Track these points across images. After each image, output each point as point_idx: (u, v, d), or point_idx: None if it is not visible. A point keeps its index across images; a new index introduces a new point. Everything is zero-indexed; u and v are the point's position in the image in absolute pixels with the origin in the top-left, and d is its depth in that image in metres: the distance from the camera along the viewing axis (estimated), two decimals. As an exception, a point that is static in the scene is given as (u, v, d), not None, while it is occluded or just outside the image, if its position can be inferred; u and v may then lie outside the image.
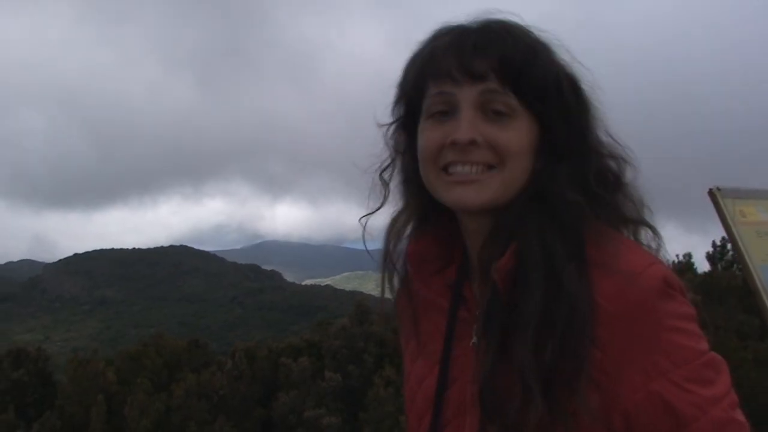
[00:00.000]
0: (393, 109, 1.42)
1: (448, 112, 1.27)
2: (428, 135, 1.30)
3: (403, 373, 1.57)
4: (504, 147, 1.24)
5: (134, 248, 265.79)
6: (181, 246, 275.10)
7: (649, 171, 1.37)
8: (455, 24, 1.33)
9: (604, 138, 1.34)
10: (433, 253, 1.42)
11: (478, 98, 1.24)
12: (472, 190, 1.26)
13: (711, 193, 3.22)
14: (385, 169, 1.47)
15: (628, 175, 1.34)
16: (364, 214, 1.50)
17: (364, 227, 1.50)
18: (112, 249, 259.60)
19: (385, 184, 1.47)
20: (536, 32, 1.31)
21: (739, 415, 1.17)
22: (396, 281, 1.51)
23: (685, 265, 20.01)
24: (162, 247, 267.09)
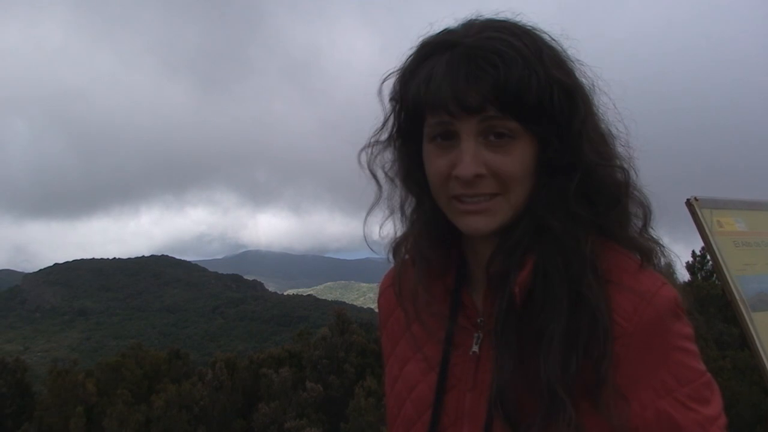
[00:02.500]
0: (394, 122, 1.39)
1: (449, 137, 1.26)
2: (433, 163, 1.29)
3: (386, 378, 1.55)
4: (509, 175, 1.24)
5: (115, 258, 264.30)
6: (162, 256, 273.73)
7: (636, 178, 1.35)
8: (443, 38, 1.29)
9: (605, 144, 1.32)
10: (437, 257, 1.41)
11: (476, 127, 1.23)
12: (481, 219, 1.26)
13: (689, 203, 3.22)
14: (403, 177, 1.43)
15: (629, 177, 1.33)
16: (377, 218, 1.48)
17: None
18: (93, 259, 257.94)
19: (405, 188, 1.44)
20: (527, 35, 1.26)
21: None
22: (402, 283, 1.49)
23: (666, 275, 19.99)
24: (143, 257, 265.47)
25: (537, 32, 1.28)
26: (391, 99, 1.37)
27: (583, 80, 1.30)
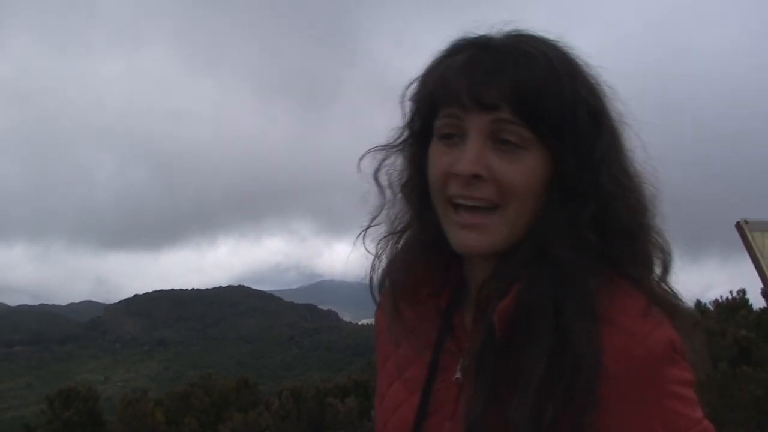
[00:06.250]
0: (408, 123, 1.33)
1: (458, 135, 1.19)
2: (436, 161, 1.22)
3: (376, 394, 1.48)
4: (509, 185, 1.16)
5: (193, 288, 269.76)
6: (239, 286, 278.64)
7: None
8: (473, 37, 1.23)
9: (628, 178, 1.22)
10: (428, 276, 1.34)
11: (487, 127, 1.15)
12: (473, 236, 1.18)
13: (738, 226, 3.10)
14: (406, 183, 1.37)
15: (650, 218, 1.23)
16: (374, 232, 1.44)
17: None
18: (172, 290, 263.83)
19: (409, 198, 1.37)
20: (561, 50, 1.20)
21: None
22: (389, 301, 1.41)
23: (740, 302, 19.36)
24: (220, 287, 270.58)
25: (574, 53, 1.22)
26: (410, 99, 1.31)
27: (614, 110, 1.22)
